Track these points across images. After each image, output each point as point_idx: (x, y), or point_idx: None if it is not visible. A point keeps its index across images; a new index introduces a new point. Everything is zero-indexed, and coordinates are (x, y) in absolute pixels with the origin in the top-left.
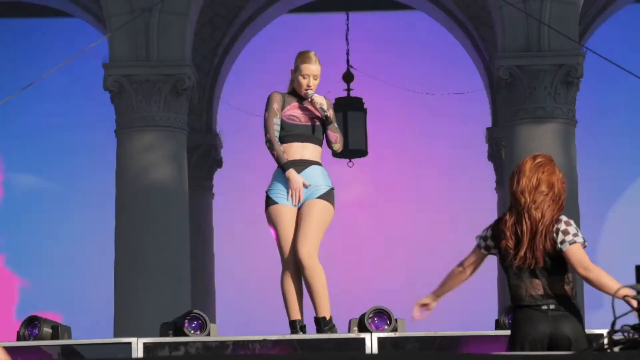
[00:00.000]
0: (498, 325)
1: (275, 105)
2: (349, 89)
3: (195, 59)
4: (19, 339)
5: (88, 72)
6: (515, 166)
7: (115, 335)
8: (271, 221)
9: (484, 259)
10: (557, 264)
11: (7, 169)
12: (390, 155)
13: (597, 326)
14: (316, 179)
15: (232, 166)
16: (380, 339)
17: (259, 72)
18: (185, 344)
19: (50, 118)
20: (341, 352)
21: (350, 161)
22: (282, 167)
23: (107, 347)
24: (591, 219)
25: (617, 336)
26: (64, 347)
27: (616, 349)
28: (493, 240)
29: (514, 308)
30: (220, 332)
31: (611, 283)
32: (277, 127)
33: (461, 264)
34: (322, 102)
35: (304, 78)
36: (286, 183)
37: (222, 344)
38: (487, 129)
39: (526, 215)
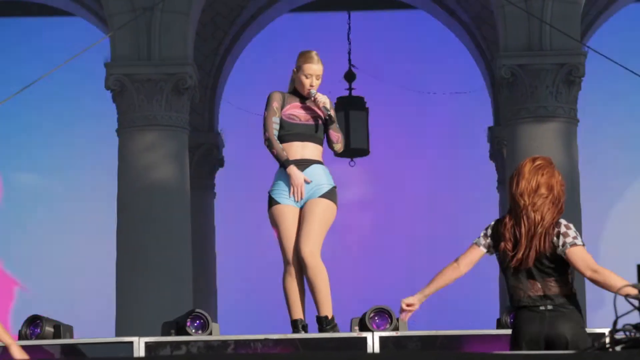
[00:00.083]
0: (500, 324)
1: (275, 104)
2: (350, 89)
3: (197, 58)
4: (20, 338)
5: (89, 71)
6: (515, 168)
7: (117, 334)
8: (274, 221)
9: (480, 257)
10: (556, 265)
11: (8, 169)
12: (391, 155)
13: (599, 325)
14: (318, 177)
15: (234, 165)
16: (381, 338)
17: (261, 71)
18: (187, 343)
19: (51, 118)
20: (343, 351)
21: (351, 160)
22: (283, 164)
23: (109, 347)
24: (593, 217)
25: (619, 335)
26: (65, 346)
27: (618, 348)
28: (493, 239)
29: (514, 308)
30: (222, 331)
31: (619, 283)
32: (276, 126)
33: (456, 260)
34: (325, 101)
35: (306, 78)
36: (288, 183)
37: (224, 343)
38: (489, 128)
39: (525, 218)
